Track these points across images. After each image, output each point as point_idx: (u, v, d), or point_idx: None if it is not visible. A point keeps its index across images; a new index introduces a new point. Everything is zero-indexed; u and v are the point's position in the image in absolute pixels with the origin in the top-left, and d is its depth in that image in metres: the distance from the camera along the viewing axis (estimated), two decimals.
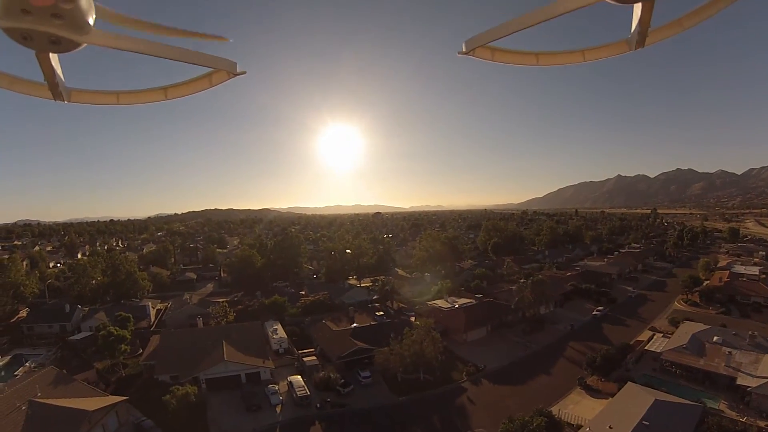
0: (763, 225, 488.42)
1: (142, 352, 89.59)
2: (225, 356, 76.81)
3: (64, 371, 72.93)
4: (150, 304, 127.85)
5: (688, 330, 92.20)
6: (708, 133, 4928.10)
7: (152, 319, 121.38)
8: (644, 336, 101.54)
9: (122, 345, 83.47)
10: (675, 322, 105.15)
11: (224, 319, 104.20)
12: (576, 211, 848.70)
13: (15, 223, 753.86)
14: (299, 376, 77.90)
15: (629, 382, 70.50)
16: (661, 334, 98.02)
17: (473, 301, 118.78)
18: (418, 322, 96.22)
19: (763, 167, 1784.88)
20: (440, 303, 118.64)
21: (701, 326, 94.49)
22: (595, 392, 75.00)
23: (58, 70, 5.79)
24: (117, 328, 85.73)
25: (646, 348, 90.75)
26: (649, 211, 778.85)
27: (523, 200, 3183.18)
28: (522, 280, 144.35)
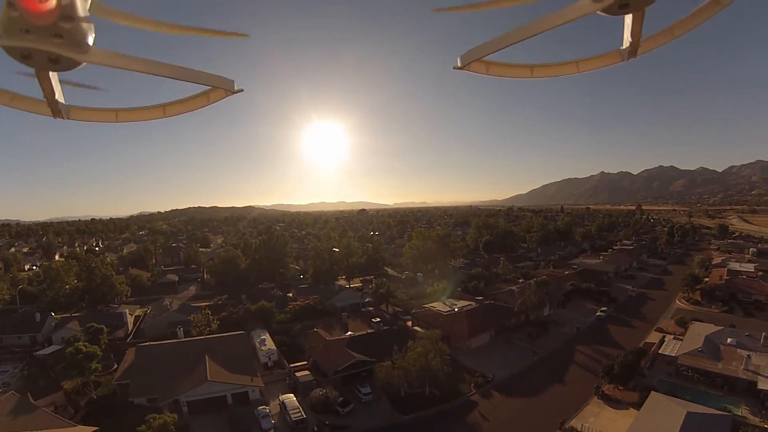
0: (746, 221, 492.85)
1: (117, 368, 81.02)
2: (208, 376, 68.27)
3: (28, 395, 65.66)
4: (127, 310, 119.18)
5: (699, 331, 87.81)
6: (690, 131, 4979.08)
7: (130, 328, 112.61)
8: (653, 338, 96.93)
9: (92, 363, 74.31)
10: (682, 323, 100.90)
11: (207, 328, 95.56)
12: (562, 207, 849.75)
13: None
14: (292, 395, 69.59)
15: (653, 392, 65.18)
16: (672, 336, 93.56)
17: (473, 303, 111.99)
18: (417, 328, 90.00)
19: (743, 165, 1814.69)
20: (438, 306, 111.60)
21: (712, 327, 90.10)
22: (614, 402, 69.28)
23: (58, 88, 5.88)
24: (86, 344, 76.59)
25: (659, 351, 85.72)
26: (634, 207, 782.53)
27: (507, 197, 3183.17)
28: (521, 280, 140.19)
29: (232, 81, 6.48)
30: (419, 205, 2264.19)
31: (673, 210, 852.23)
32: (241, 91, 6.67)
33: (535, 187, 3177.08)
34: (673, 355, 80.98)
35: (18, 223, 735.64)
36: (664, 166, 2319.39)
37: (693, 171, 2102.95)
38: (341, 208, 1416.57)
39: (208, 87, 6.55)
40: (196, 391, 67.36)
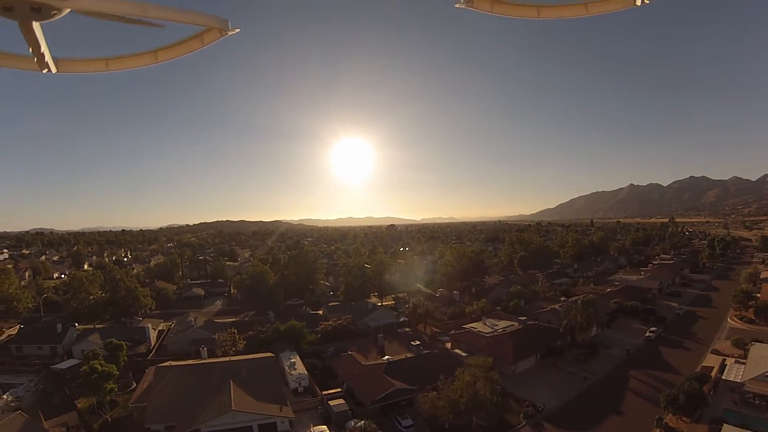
0: None
1: (135, 387, 76.28)
2: (233, 405, 61.99)
3: (40, 413, 61.56)
4: (150, 325, 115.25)
5: (762, 353, 78.90)
6: (721, 139, 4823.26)
7: (152, 343, 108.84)
8: (710, 361, 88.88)
9: (108, 383, 69.70)
10: (741, 344, 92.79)
11: (232, 348, 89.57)
12: (592, 221, 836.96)
13: (28, 231, 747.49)
14: (326, 428, 63.17)
15: (725, 425, 57.24)
16: (733, 360, 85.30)
17: (516, 324, 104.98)
18: (457, 351, 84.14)
19: None
20: (479, 327, 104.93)
21: None
22: None
23: (43, 40, 5.73)
24: (102, 362, 72.16)
25: (722, 377, 78.00)
26: (666, 220, 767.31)
27: (535, 211, 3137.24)
28: (563, 299, 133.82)
29: (227, 20, 6.25)
30: (447, 221, 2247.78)
31: (707, 222, 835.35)
32: (237, 30, 6.46)
33: (563, 201, 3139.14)
34: (738, 380, 73.50)
35: (52, 232, 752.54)
36: (696, 176, 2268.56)
37: (726, 181, 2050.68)
38: (369, 224, 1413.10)
39: (201, 28, 6.36)
40: (219, 420, 61.31)
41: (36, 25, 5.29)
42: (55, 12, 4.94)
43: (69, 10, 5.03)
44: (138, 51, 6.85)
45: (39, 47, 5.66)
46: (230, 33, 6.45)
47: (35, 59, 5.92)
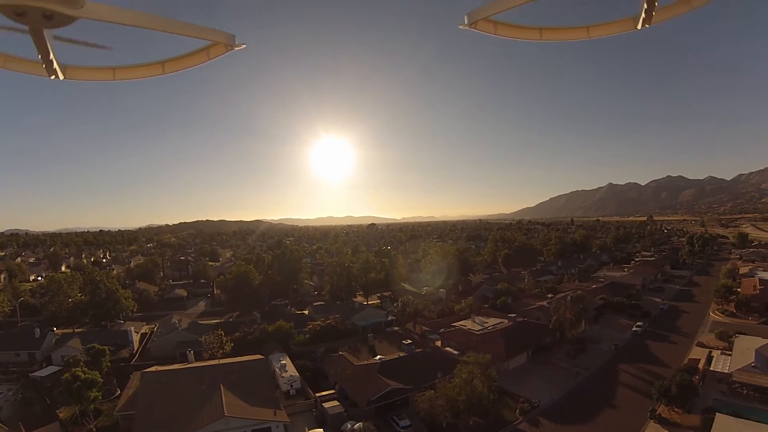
0: (760, 229, 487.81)
1: (120, 394, 73.63)
2: (225, 410, 59.35)
3: (20, 424, 59.19)
4: (133, 328, 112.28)
5: (747, 345, 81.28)
6: (697, 140, 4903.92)
7: (135, 347, 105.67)
8: (696, 354, 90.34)
9: (92, 391, 66.72)
10: (725, 337, 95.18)
11: (220, 350, 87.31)
12: (572, 220, 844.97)
13: (2, 232, 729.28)
14: (321, 431, 61.45)
15: (718, 414, 57.41)
16: (719, 351, 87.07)
17: (505, 321, 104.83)
18: (448, 348, 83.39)
19: (752, 172, 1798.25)
20: (468, 324, 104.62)
21: (759, 340, 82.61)
22: (673, 427, 62.24)
23: (53, 47, 5.75)
24: (85, 369, 69.38)
25: (710, 368, 79.29)
26: (644, 218, 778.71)
27: (515, 210, 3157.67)
28: (550, 295, 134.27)
29: (233, 35, 6.29)
30: (427, 220, 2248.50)
31: (684, 220, 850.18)
32: (243, 46, 6.46)
33: (543, 200, 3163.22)
34: (725, 371, 75.32)
35: (27, 233, 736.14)
36: (673, 176, 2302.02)
37: (702, 180, 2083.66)
38: (349, 223, 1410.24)
39: (208, 42, 6.37)
40: (212, 427, 58.38)
41: (47, 33, 5.29)
42: (67, 20, 4.92)
43: (80, 18, 4.98)
44: (145, 62, 6.84)
45: (48, 54, 5.67)
46: (236, 48, 6.51)
47: (43, 65, 5.89)
